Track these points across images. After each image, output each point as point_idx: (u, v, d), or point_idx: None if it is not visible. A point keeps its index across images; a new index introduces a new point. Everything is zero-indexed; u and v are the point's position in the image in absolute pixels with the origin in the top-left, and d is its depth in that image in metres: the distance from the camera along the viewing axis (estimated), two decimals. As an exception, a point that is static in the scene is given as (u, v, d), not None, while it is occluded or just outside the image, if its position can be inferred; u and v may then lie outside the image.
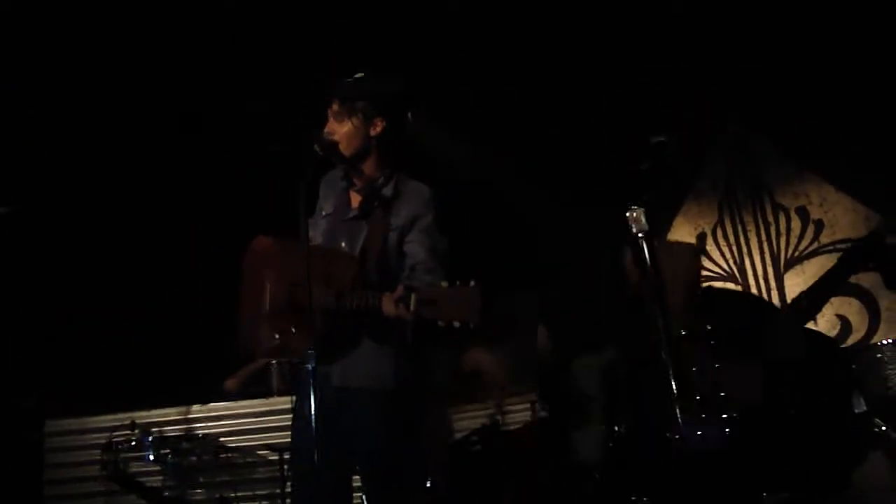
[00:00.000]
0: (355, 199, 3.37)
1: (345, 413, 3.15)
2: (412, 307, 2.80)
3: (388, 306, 2.91)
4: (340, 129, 3.31)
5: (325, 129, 3.32)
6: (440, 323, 2.77)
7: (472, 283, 2.74)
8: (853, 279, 4.99)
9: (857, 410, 2.46)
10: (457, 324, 2.74)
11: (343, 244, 3.22)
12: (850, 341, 5.19)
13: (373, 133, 3.32)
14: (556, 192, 5.25)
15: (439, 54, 5.24)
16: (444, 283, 2.79)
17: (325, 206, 3.41)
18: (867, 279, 5.07)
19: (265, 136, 5.21)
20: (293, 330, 3.13)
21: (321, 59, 5.06)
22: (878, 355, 4.12)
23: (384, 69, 3.43)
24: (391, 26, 5.17)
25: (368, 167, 3.35)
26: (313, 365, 2.83)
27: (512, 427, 4.05)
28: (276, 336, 3.19)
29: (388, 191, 3.31)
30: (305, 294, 3.00)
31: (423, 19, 5.16)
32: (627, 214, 2.40)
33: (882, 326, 5.20)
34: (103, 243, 5.53)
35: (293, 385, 3.35)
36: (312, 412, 2.78)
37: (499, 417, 4.67)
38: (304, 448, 3.00)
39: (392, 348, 3.17)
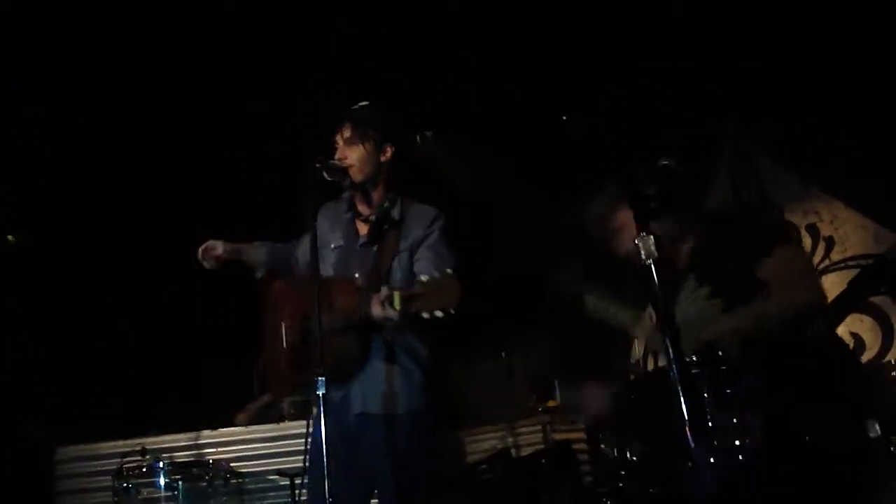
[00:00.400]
0: (362, 228, 3.42)
1: (366, 438, 3.19)
2: (397, 305, 2.89)
3: (376, 308, 2.99)
4: (352, 155, 3.36)
5: (337, 156, 3.36)
6: (425, 315, 2.86)
7: (448, 270, 2.87)
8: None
9: (871, 435, 2.43)
10: (439, 313, 2.84)
11: (356, 274, 3.26)
12: (864, 359, 5.16)
13: (383, 159, 3.38)
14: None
15: (440, 56, 5.24)
16: (424, 278, 2.89)
17: (333, 239, 3.44)
18: (880, 298, 5.04)
19: (265, 136, 5.23)
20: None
21: (320, 58, 5.09)
22: (894, 373, 4.14)
23: (386, 98, 3.49)
24: (391, 25, 5.17)
25: (377, 193, 3.40)
26: (324, 391, 2.85)
27: (524, 453, 4.06)
28: (294, 372, 3.26)
29: (395, 214, 3.36)
30: (316, 323, 3.06)
31: (423, 19, 5.16)
32: (636, 241, 2.38)
33: (896, 344, 5.17)
34: (113, 268, 5.55)
35: (307, 412, 3.37)
36: (323, 436, 2.80)
37: (510, 439, 4.66)
38: (322, 473, 3.02)
39: (409, 371, 3.22)
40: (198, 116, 5.39)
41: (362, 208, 3.45)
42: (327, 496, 2.88)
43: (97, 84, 5.16)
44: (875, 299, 5.13)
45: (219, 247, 3.50)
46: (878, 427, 2.41)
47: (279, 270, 3.58)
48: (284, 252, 3.62)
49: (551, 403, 5.29)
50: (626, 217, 2.95)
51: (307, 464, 3.33)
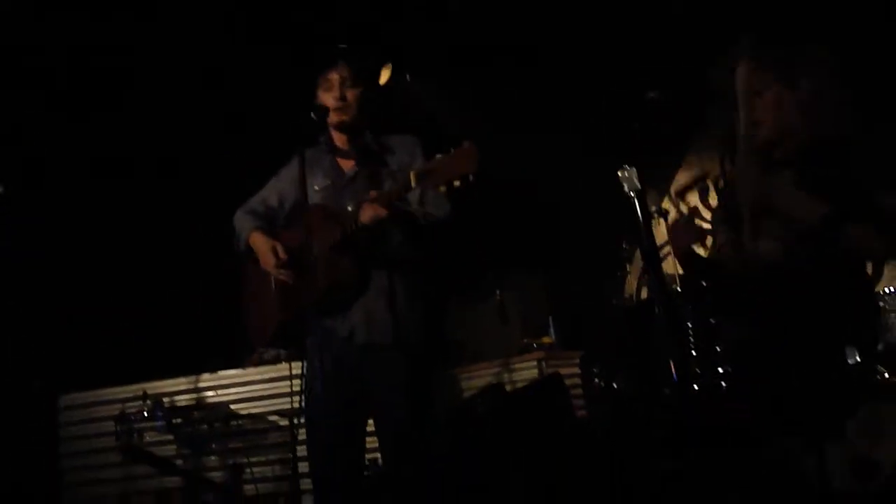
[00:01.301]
0: (346, 164, 3.47)
1: (370, 369, 3.26)
2: (413, 182, 2.95)
3: (367, 212, 3.06)
4: (351, 96, 3.39)
5: (335, 96, 3.38)
6: (442, 188, 2.89)
7: (465, 143, 2.88)
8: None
9: (850, 361, 2.47)
10: (457, 182, 2.85)
11: (349, 208, 3.28)
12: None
13: (367, 97, 3.45)
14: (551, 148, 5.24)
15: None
16: (438, 156, 2.93)
17: (316, 182, 3.49)
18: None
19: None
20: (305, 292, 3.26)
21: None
22: (882, 304, 4.16)
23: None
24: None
25: (360, 130, 3.45)
26: (319, 320, 2.89)
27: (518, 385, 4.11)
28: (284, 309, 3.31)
29: (376, 146, 3.46)
30: (308, 249, 3.15)
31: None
32: (619, 173, 2.40)
33: (887, 273, 5.19)
34: (113, 215, 5.55)
35: (304, 346, 3.43)
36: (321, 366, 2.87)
37: (505, 376, 4.72)
38: (322, 405, 3.10)
39: (411, 298, 3.30)
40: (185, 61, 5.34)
41: (342, 146, 3.49)
42: (326, 431, 2.97)
43: (94, 68, 5.13)
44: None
45: (281, 253, 3.44)
46: (856, 353, 2.45)
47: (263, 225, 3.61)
48: (261, 206, 3.65)
49: (546, 340, 5.36)
50: (758, 81, 2.77)
51: (304, 398, 3.41)
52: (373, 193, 3.07)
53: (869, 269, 5.16)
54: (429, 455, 3.07)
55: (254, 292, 3.59)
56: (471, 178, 2.86)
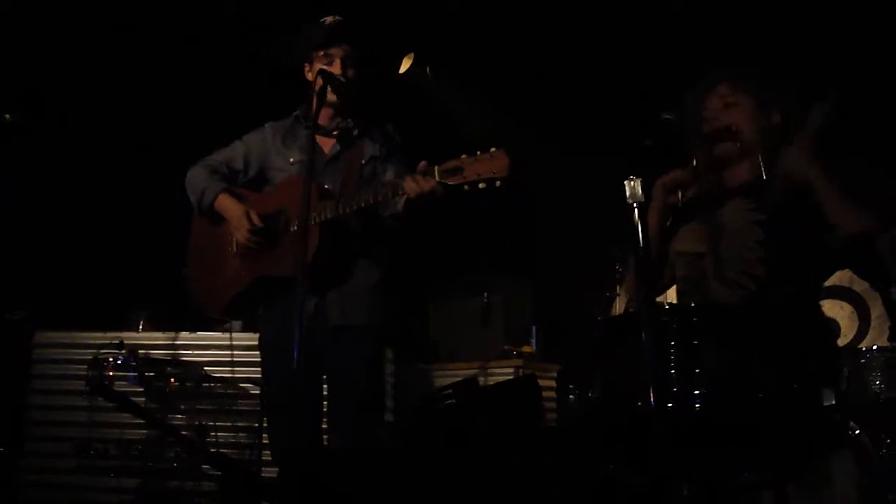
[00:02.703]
0: (325, 143, 3.44)
1: (339, 348, 3.28)
2: (438, 176, 2.91)
3: (411, 185, 2.99)
4: (351, 74, 3.39)
5: (338, 71, 3.35)
6: (466, 187, 2.88)
7: (494, 148, 2.87)
8: (847, 283, 5.00)
9: (825, 403, 2.48)
10: (483, 184, 2.85)
11: (326, 186, 3.29)
12: (839, 344, 5.21)
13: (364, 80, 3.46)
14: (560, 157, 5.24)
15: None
16: (463, 156, 2.89)
17: (291, 154, 3.47)
18: (861, 285, 5.08)
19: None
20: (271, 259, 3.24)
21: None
22: (863, 360, 4.19)
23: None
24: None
25: (345, 111, 3.45)
26: (303, 294, 2.86)
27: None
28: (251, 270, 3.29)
29: (356, 130, 3.46)
30: (289, 219, 3.17)
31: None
32: (624, 183, 2.40)
33: (870, 333, 5.22)
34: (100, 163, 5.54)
35: (264, 315, 3.42)
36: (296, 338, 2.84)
37: (481, 379, 4.72)
38: (284, 382, 3.09)
39: (378, 282, 3.26)
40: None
41: (325, 122, 3.44)
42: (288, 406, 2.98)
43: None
44: (856, 287, 5.17)
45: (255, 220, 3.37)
46: (833, 395, 2.47)
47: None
48: (223, 167, 3.58)
49: (526, 349, 5.36)
50: (732, 96, 2.88)
51: (266, 371, 3.42)
52: (422, 165, 2.99)
53: (854, 327, 5.23)
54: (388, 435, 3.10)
55: (205, 255, 3.52)
56: (498, 183, 2.85)
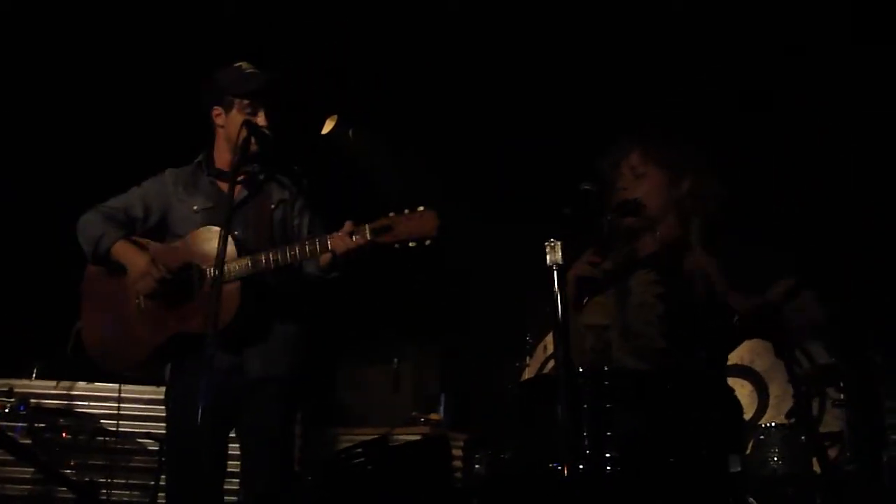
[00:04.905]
0: (227, 188, 3.23)
1: (253, 401, 3.18)
2: (368, 235, 2.90)
3: (339, 242, 2.96)
4: (266, 123, 3.32)
5: (264, 123, 3.31)
6: (396, 245, 2.88)
7: (422, 207, 2.89)
8: (748, 362, 5.16)
9: (731, 469, 2.54)
10: (412, 243, 2.86)
11: (236, 232, 3.20)
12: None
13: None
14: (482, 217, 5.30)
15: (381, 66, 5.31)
16: (391, 214, 2.90)
17: (195, 202, 3.36)
18: (762, 364, 5.24)
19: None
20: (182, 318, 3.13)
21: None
22: (762, 437, 4.30)
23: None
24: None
25: (254, 158, 3.35)
26: (212, 350, 2.77)
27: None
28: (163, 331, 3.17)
29: (262, 175, 3.39)
30: (196, 276, 3.08)
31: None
32: (545, 244, 2.45)
33: (769, 411, 5.37)
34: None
35: (175, 371, 3.30)
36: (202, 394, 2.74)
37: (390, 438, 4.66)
38: (192, 432, 2.97)
39: (297, 335, 3.22)
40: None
41: (225, 168, 3.35)
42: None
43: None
44: (757, 366, 5.33)
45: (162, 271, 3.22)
46: (738, 462, 2.53)
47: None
48: (120, 213, 3.41)
49: (434, 417, 5.32)
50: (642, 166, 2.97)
51: (172, 429, 3.28)
52: (349, 225, 2.97)
53: (754, 405, 5.38)
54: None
55: (104, 307, 3.33)
56: (428, 242, 2.88)
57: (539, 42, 5.25)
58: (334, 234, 2.99)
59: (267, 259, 3.07)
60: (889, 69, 4.83)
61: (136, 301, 3.25)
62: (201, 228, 3.25)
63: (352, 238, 2.94)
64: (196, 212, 3.33)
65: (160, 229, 3.41)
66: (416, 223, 2.87)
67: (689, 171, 2.96)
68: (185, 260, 3.21)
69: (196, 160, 3.45)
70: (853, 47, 4.93)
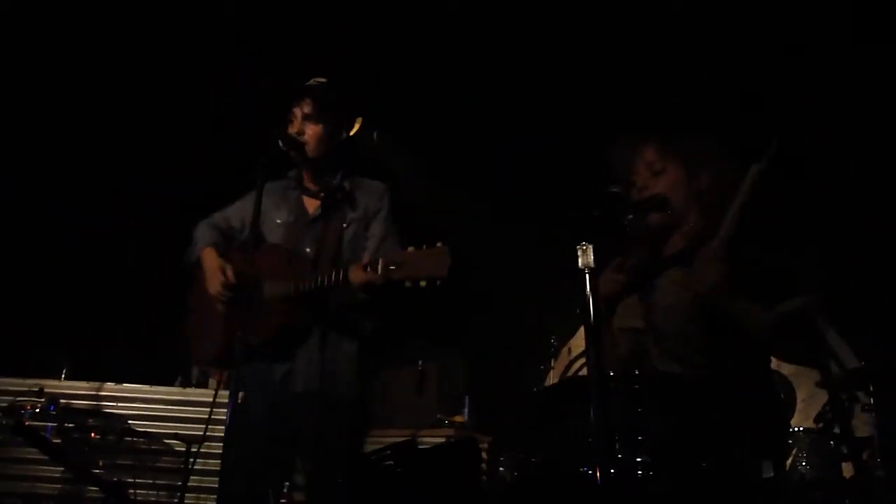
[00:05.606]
0: (311, 204, 3.46)
1: (305, 418, 3.21)
2: (380, 271, 2.92)
3: (356, 274, 3.01)
4: (309, 131, 3.38)
5: (294, 130, 3.37)
6: (407, 283, 2.89)
7: (439, 244, 2.90)
8: (775, 366, 5.11)
9: (764, 475, 2.52)
10: (423, 283, 2.87)
11: (308, 249, 3.27)
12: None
13: (338, 138, 3.42)
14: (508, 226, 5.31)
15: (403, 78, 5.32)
16: (410, 248, 2.92)
17: (279, 216, 3.46)
18: (789, 368, 5.20)
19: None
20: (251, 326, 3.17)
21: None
22: (790, 441, 4.26)
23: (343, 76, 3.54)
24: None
25: (327, 170, 3.43)
26: (259, 362, 2.83)
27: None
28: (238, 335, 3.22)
29: (343, 188, 3.45)
30: (259, 289, 3.18)
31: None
32: (577, 248, 2.43)
33: (796, 416, 5.33)
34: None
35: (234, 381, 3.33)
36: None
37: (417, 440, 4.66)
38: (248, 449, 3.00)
39: (351, 352, 3.26)
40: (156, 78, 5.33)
41: (310, 185, 3.48)
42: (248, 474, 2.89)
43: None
44: (784, 370, 5.29)
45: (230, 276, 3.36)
46: (771, 468, 2.50)
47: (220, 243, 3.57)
48: (223, 223, 3.60)
49: (458, 419, 5.32)
50: (660, 161, 2.91)
51: (230, 437, 3.29)
52: (366, 257, 3.09)
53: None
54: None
55: (200, 305, 3.49)
56: (438, 283, 2.88)
57: (541, 43, 5.26)
58: (353, 266, 3.05)
59: (305, 284, 3.13)
60: (889, 69, 4.79)
61: (218, 305, 3.38)
62: (268, 244, 3.35)
63: (366, 270, 2.97)
64: (279, 225, 3.44)
65: (257, 239, 3.48)
66: (430, 262, 2.88)
67: (708, 162, 2.90)
68: (254, 272, 3.27)
69: (289, 174, 3.54)
70: (853, 47, 4.90)
